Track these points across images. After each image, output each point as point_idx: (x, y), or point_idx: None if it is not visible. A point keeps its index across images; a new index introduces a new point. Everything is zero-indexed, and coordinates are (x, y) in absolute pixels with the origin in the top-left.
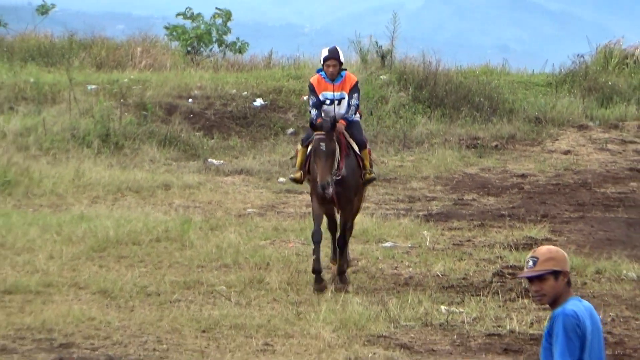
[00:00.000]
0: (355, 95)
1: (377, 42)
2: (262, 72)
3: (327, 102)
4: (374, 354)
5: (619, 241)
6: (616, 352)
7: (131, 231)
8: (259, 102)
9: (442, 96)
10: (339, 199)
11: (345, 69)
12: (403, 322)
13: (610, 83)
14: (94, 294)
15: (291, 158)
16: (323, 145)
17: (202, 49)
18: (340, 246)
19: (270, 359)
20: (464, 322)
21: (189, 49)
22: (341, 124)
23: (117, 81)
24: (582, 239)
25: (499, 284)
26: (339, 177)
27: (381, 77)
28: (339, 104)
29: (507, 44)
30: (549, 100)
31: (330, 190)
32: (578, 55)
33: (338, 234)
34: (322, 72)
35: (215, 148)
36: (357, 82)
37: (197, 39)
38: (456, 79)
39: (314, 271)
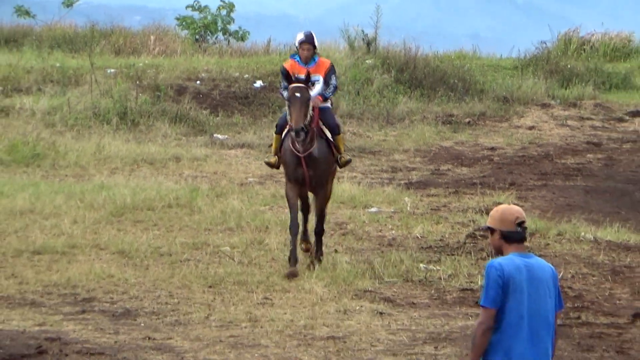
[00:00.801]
0: (333, 76)
1: (363, 31)
2: (261, 57)
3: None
4: (361, 306)
5: (577, 206)
6: (576, 305)
7: (146, 198)
8: (259, 83)
9: (421, 78)
10: (311, 181)
11: (318, 54)
12: (387, 278)
13: (569, 66)
14: (113, 254)
15: (269, 146)
16: (298, 94)
17: (208, 37)
18: (317, 233)
19: (269, 311)
20: (440, 278)
21: (197, 37)
22: (317, 99)
23: (134, 65)
24: (545, 204)
25: (472, 244)
26: (310, 151)
27: (367, 61)
28: (312, 86)
29: (479, 32)
30: (516, 81)
31: (302, 137)
32: (541, 42)
33: (315, 221)
34: (297, 57)
35: (220, 124)
36: (332, 64)
37: (204, 28)
38: (433, 63)
39: (289, 260)
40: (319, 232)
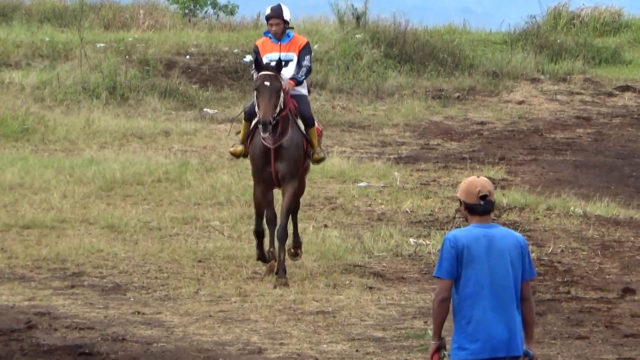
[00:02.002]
0: (307, 57)
1: (352, 5)
2: (251, 31)
3: (273, 64)
4: (351, 281)
5: (567, 181)
6: (565, 279)
7: (135, 173)
8: (248, 58)
9: (411, 53)
10: (278, 175)
11: (292, 28)
12: (376, 253)
13: (559, 41)
14: (103, 228)
15: (237, 133)
16: (267, 82)
17: (197, 11)
18: (280, 238)
19: (258, 286)
20: (430, 253)
21: (187, 11)
22: (290, 84)
23: (123, 40)
24: (535, 179)
25: (461, 219)
26: (280, 143)
27: (356, 36)
28: (286, 65)
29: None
30: (505, 56)
31: (269, 132)
32: (531, 16)
33: (278, 225)
34: (269, 34)
35: (209, 99)
36: (307, 43)
37: (194, 2)
38: (423, 37)
39: (258, 258)
40: (282, 237)
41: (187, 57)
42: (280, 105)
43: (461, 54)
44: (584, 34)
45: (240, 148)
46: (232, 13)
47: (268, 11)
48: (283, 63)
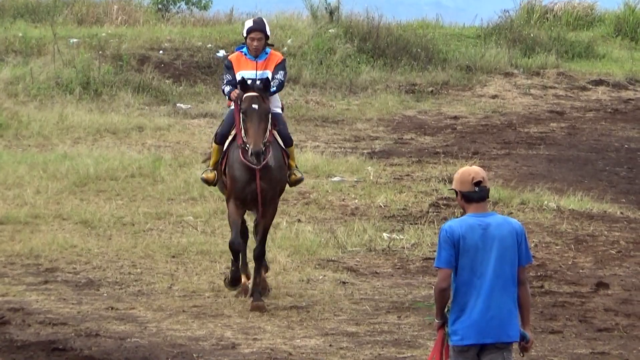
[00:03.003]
0: (282, 72)
1: (325, 0)
2: (224, 26)
3: (248, 82)
4: (324, 276)
5: (541, 175)
6: (539, 274)
7: (109, 168)
8: (221, 53)
9: (384, 47)
10: (265, 197)
11: (272, 45)
12: (350, 247)
13: (532, 35)
14: (76, 224)
15: (204, 161)
16: (256, 105)
17: (171, 7)
18: (257, 257)
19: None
20: (403, 247)
21: (160, 6)
22: None
23: (96, 35)
24: (508, 173)
25: (435, 213)
26: (265, 162)
27: (330, 30)
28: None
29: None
30: (479, 50)
31: (262, 160)
32: (504, 10)
33: (257, 242)
34: (244, 49)
35: (183, 94)
36: (284, 60)
37: None
38: (396, 32)
39: (232, 282)
40: (260, 255)
41: (161, 52)
42: (269, 129)
43: (434, 48)
44: (557, 28)
45: (212, 174)
46: (205, 8)
47: (250, 24)
48: (258, 82)
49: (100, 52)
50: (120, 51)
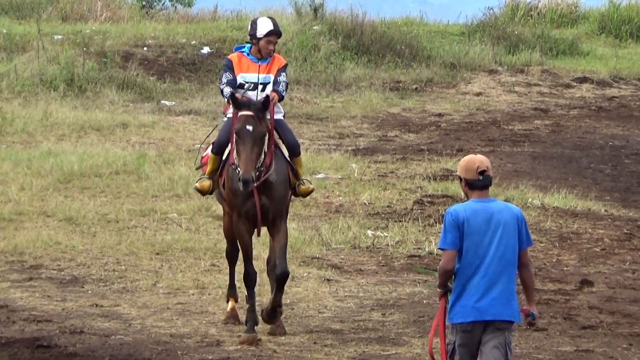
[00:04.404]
0: (284, 74)
1: None
2: (208, 23)
3: (248, 85)
4: (308, 273)
5: (525, 173)
6: None
7: (93, 165)
8: (206, 50)
9: (368, 44)
10: (266, 213)
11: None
12: (334, 245)
13: (516, 32)
14: (60, 221)
15: (197, 168)
16: (250, 127)
17: (155, 3)
18: (280, 277)
19: (216, 278)
20: (388, 245)
21: (144, 3)
22: (274, 95)
23: (81, 32)
24: (493, 170)
25: (419, 211)
26: (265, 178)
27: (314, 27)
28: (263, 89)
29: None
30: (463, 47)
31: (250, 189)
32: (488, 7)
33: (276, 261)
34: (245, 50)
35: (167, 91)
36: (286, 65)
37: None
38: (380, 29)
39: (249, 328)
40: (283, 274)
41: (145, 49)
42: (264, 153)
43: (419, 45)
44: (541, 26)
45: (207, 183)
46: (189, 5)
47: (269, 26)
48: (260, 87)
49: (84, 48)
50: (105, 48)
